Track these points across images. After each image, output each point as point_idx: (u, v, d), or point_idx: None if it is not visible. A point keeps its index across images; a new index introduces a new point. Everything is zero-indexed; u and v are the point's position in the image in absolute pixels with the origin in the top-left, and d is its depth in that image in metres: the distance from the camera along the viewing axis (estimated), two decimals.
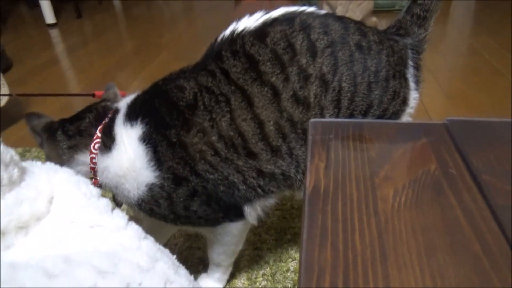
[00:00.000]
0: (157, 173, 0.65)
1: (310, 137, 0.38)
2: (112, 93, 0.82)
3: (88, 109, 0.74)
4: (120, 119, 0.69)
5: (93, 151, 0.69)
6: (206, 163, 0.65)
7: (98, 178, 0.70)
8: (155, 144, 0.65)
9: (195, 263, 0.93)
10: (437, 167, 0.33)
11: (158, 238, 0.88)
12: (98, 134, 0.69)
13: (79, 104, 0.82)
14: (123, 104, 0.72)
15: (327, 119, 0.43)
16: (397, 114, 0.72)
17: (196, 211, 0.69)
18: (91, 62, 2.36)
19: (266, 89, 0.64)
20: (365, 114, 0.68)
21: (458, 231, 0.27)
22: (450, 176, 0.32)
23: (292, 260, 0.92)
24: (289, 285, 0.86)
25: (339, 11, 2.52)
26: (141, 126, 0.66)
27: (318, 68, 0.64)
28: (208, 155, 0.65)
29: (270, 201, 0.74)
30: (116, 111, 0.71)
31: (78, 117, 0.74)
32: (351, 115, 0.66)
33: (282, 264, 0.91)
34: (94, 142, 0.69)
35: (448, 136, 0.38)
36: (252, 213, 0.73)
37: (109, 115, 0.71)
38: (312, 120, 0.41)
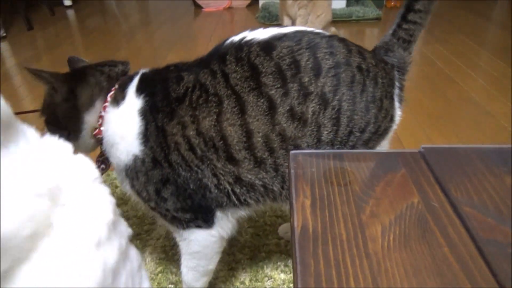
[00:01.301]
0: (142, 147, 0.69)
1: (292, 171, 0.38)
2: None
3: (121, 62, 0.79)
4: (134, 83, 0.73)
5: (108, 99, 0.72)
6: (179, 155, 0.67)
7: (102, 128, 0.73)
8: (147, 121, 0.69)
9: None
10: (420, 200, 0.34)
11: None
12: (116, 86, 0.73)
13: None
14: (142, 71, 0.77)
15: (307, 150, 0.43)
16: (387, 130, 0.75)
17: (166, 199, 0.70)
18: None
19: (262, 100, 0.65)
20: (363, 132, 0.70)
21: (448, 271, 0.27)
22: (433, 209, 0.33)
23: (269, 279, 0.92)
24: None
25: (299, 22, 2.57)
26: (142, 101, 0.70)
27: (320, 87, 0.66)
28: (182, 149, 0.67)
29: (242, 213, 0.75)
30: (136, 74, 0.75)
31: (111, 63, 0.78)
32: (350, 133, 0.69)
33: (259, 283, 0.90)
34: (112, 91, 0.73)
35: (425, 164, 0.39)
36: (224, 219, 0.73)
37: (132, 75, 0.75)
38: (292, 151, 0.41)
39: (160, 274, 0.94)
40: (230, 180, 0.68)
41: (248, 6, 3.73)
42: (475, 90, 1.92)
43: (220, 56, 0.69)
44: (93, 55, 2.57)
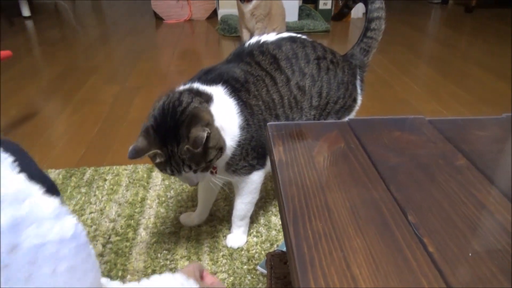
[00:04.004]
0: (241, 117, 0.95)
1: (270, 134, 0.61)
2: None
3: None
4: (201, 87, 0.94)
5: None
6: (257, 117, 0.97)
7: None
8: (237, 100, 0.94)
9: (164, 253, 1.09)
10: (344, 144, 0.58)
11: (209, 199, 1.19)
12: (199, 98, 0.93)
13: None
14: (186, 85, 0.97)
15: (278, 123, 0.66)
16: (351, 107, 1.11)
17: (248, 154, 0.97)
18: (13, 89, 2.25)
19: (283, 76, 0.99)
20: (335, 103, 1.05)
21: (356, 174, 0.52)
22: (352, 149, 0.57)
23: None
24: (245, 260, 1.07)
25: (257, 35, 2.84)
26: (222, 87, 0.95)
27: (310, 70, 1.01)
28: (258, 113, 0.97)
29: None
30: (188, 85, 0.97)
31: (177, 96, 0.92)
32: (327, 103, 1.04)
33: None
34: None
35: (350, 128, 0.63)
36: (268, 161, 1.03)
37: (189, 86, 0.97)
38: (268, 123, 0.64)
39: (155, 244, 1.13)
40: None
41: (208, 18, 3.96)
42: (409, 93, 2.27)
43: (248, 53, 1.00)
44: (58, 66, 2.63)
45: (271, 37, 1.03)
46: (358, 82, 1.13)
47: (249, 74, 0.98)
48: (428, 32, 3.73)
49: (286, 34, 1.05)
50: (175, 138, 0.82)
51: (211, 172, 0.96)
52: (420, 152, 0.57)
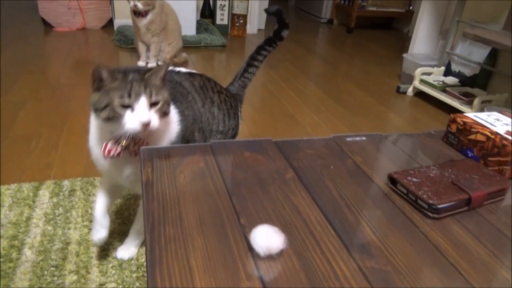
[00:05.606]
0: (179, 127, 1.01)
1: (141, 157, 0.72)
2: None
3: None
4: None
5: None
6: (190, 130, 1.06)
7: None
8: (175, 106, 1.01)
9: (52, 270, 1.11)
10: (203, 164, 0.72)
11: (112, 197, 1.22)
12: None
13: None
14: None
15: (149, 147, 0.78)
16: (237, 132, 1.30)
17: None
18: None
19: (199, 99, 1.12)
20: (233, 130, 1.24)
21: (208, 189, 0.65)
22: (209, 168, 0.71)
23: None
24: (134, 268, 1.15)
25: (153, 49, 2.89)
26: None
27: (216, 99, 1.17)
28: (189, 124, 1.06)
29: None
30: None
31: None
32: (229, 129, 1.21)
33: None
34: None
35: (211, 150, 0.77)
36: None
37: None
38: (142, 148, 0.75)
39: (41, 262, 1.14)
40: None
41: (103, 27, 3.86)
42: (293, 107, 2.54)
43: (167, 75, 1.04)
44: None
45: (184, 70, 1.18)
46: (239, 113, 1.34)
47: (173, 89, 1.03)
48: (315, 50, 4.15)
49: (193, 71, 1.21)
50: (138, 72, 0.87)
51: (135, 152, 0.88)
52: (261, 168, 0.73)
